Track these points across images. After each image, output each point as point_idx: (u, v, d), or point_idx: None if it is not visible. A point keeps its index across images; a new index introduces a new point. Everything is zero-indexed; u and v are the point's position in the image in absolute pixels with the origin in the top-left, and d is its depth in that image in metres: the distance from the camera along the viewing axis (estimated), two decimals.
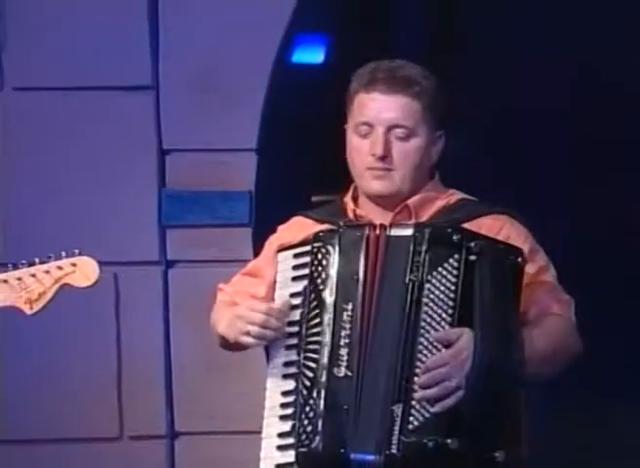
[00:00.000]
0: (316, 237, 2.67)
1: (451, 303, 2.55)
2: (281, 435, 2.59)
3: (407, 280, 2.58)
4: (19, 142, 4.58)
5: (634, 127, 5.73)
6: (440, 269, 2.57)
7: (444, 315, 2.56)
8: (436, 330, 2.54)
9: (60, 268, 2.70)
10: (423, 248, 2.58)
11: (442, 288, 2.59)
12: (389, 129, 2.64)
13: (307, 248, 2.68)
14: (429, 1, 5.92)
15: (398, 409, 2.54)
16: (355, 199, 2.76)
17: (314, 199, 3.45)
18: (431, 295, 2.58)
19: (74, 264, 2.69)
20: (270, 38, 4.33)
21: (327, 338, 2.60)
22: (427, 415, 2.51)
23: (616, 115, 5.77)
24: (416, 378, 2.52)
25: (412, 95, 2.67)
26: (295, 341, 2.66)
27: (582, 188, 5.81)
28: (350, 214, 2.75)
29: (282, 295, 2.68)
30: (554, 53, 5.74)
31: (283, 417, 2.61)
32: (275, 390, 2.63)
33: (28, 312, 2.70)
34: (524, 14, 5.85)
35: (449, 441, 2.44)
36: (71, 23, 4.49)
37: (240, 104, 4.34)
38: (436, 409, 2.47)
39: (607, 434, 5.25)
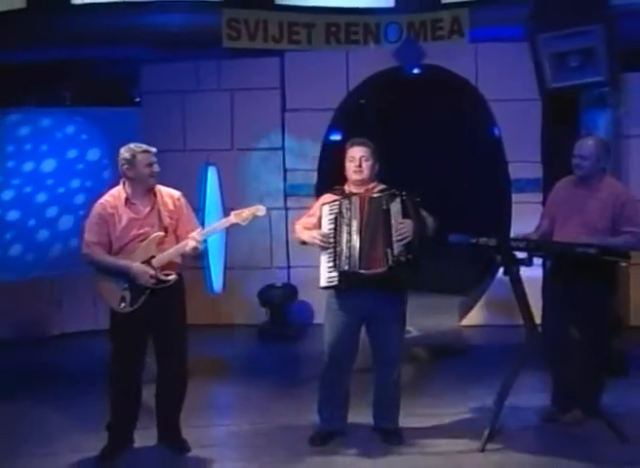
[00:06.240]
0: (341, 199, 4.92)
1: (401, 213, 4.83)
2: (329, 266, 4.95)
3: (384, 207, 4.84)
4: None
5: None
6: (394, 203, 4.89)
7: (400, 216, 4.82)
8: (398, 221, 4.74)
9: (251, 210, 4.84)
10: (388, 198, 4.86)
11: (395, 209, 4.85)
12: (360, 157, 5.04)
13: (337, 202, 4.94)
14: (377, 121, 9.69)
15: (389, 250, 4.80)
16: (349, 186, 5.11)
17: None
18: (392, 212, 4.84)
19: (257, 208, 4.87)
20: (319, 137, 8.66)
21: (348, 231, 4.88)
22: (399, 250, 4.79)
23: None
24: (394, 239, 4.72)
25: (366, 147, 5.11)
26: (332, 235, 4.88)
27: None
28: (347, 191, 5.02)
29: (325, 221, 4.91)
30: None
31: (328, 260, 4.95)
32: (325, 251, 4.96)
33: (243, 224, 4.79)
34: None
35: (406, 257, 4.82)
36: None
37: (310, 155, 8.64)
38: (402, 246, 4.74)
39: None
